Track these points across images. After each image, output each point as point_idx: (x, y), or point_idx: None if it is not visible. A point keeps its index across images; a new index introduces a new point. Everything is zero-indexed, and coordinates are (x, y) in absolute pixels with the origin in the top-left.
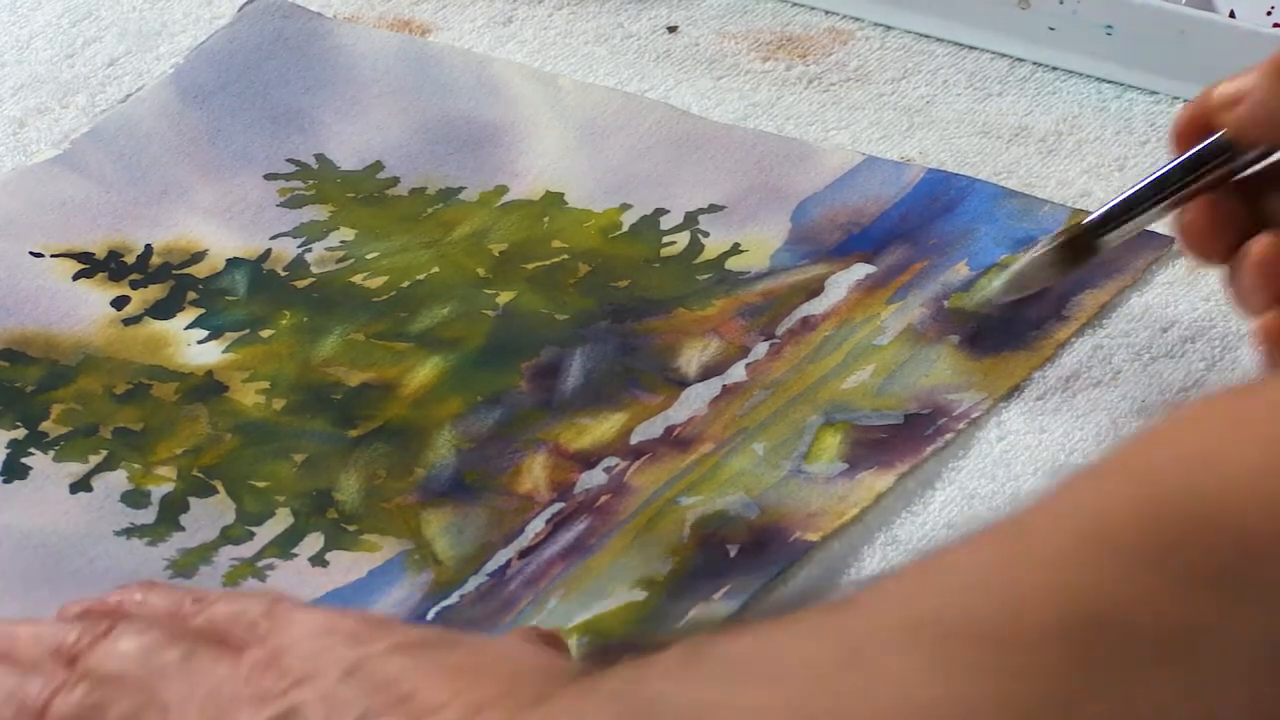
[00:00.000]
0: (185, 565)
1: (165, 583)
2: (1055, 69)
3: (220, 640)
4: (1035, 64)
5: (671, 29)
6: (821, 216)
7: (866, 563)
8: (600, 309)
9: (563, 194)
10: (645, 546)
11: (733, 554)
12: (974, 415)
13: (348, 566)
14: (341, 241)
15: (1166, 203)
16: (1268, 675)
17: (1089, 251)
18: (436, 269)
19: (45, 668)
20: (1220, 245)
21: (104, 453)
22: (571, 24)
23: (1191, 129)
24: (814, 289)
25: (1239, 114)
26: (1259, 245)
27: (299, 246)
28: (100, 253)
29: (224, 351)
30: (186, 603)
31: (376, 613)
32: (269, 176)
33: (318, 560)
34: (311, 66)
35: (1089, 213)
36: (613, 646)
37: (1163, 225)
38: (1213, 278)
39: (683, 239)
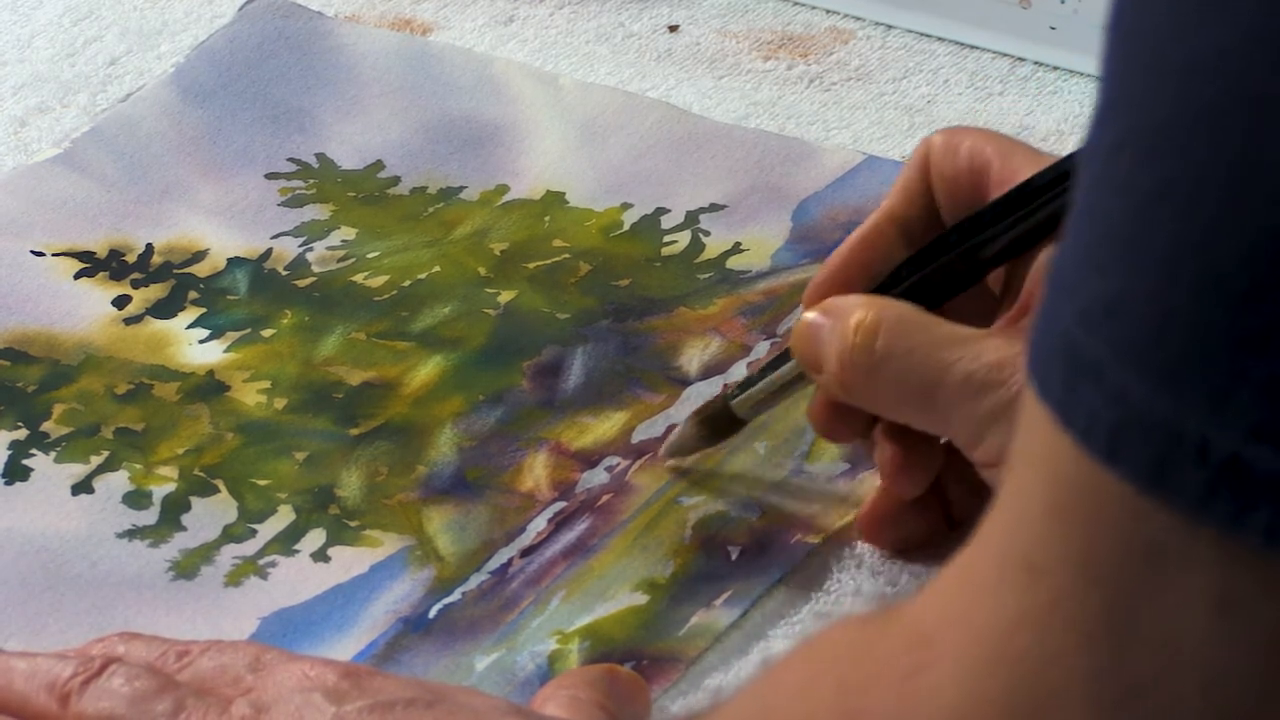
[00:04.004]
0: (187, 567)
1: (145, 634)
2: (1056, 68)
3: (207, 693)
4: (1036, 63)
5: (673, 28)
6: (822, 216)
7: (867, 561)
8: (601, 308)
9: (564, 193)
10: (647, 548)
11: (734, 556)
12: None
13: (349, 562)
14: (343, 241)
15: (790, 380)
16: None
17: (732, 422)
18: (438, 268)
19: (38, 703)
20: (844, 430)
21: (105, 453)
22: (572, 23)
23: (817, 296)
24: None
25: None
26: (884, 454)
27: (300, 246)
28: (101, 252)
29: (225, 351)
30: (170, 655)
31: (361, 665)
32: (270, 176)
33: (319, 556)
34: (312, 66)
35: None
36: (613, 654)
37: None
38: None
39: (684, 238)
